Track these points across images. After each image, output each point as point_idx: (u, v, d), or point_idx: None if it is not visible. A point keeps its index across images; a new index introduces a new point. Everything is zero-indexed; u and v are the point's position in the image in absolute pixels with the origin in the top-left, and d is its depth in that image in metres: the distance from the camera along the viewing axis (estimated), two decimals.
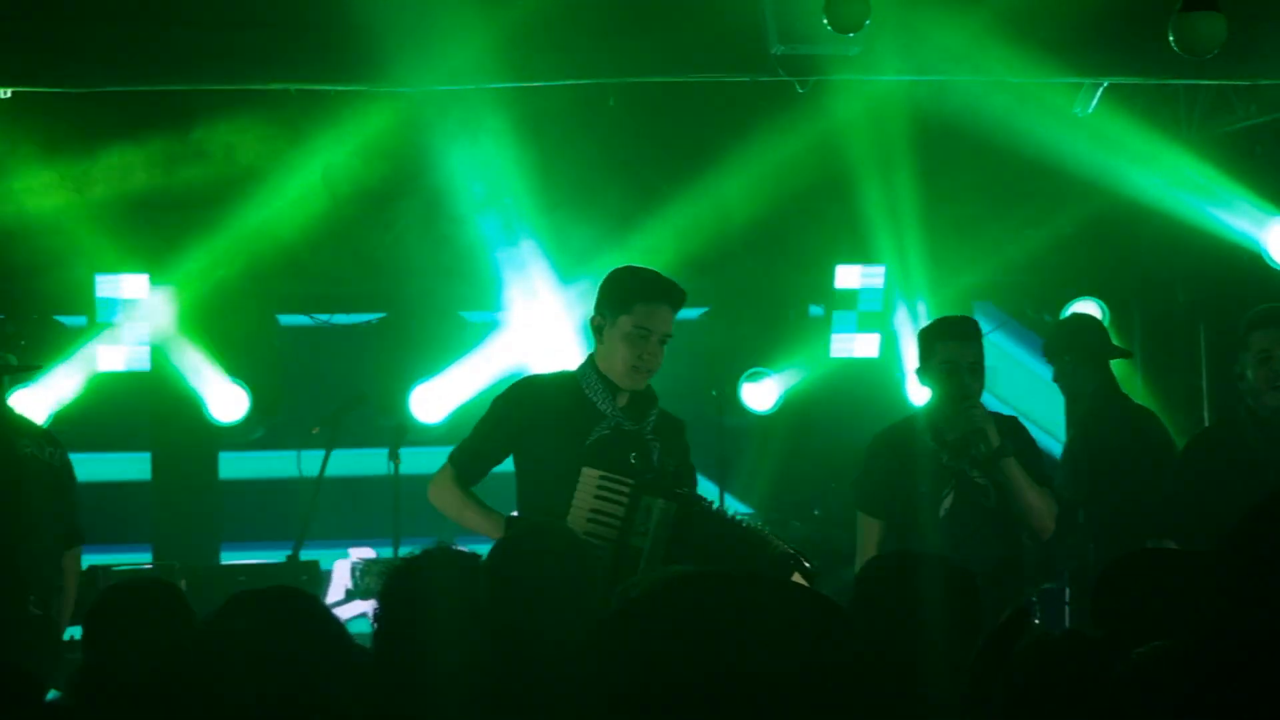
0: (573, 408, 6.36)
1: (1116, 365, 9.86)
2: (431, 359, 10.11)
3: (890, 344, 10.32)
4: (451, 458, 6.42)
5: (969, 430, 6.84)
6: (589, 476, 6.09)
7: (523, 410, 6.38)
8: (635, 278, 6.49)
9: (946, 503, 6.90)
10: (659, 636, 3.44)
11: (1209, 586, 1.56)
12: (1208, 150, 9.83)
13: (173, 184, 9.46)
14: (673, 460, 6.43)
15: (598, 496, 6.10)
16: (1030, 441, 7.10)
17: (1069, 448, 8.95)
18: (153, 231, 9.67)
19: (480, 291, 10.10)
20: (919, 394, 10.19)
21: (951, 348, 6.96)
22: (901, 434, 7.12)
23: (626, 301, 6.34)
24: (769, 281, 10.20)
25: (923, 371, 7.06)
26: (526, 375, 7.05)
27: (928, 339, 7.06)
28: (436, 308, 10.19)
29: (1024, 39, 7.94)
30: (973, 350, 6.97)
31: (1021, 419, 7.37)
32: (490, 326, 10.34)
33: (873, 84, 8.61)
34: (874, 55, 7.84)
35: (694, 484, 6.43)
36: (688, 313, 10.94)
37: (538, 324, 10.00)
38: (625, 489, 6.09)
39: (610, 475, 6.11)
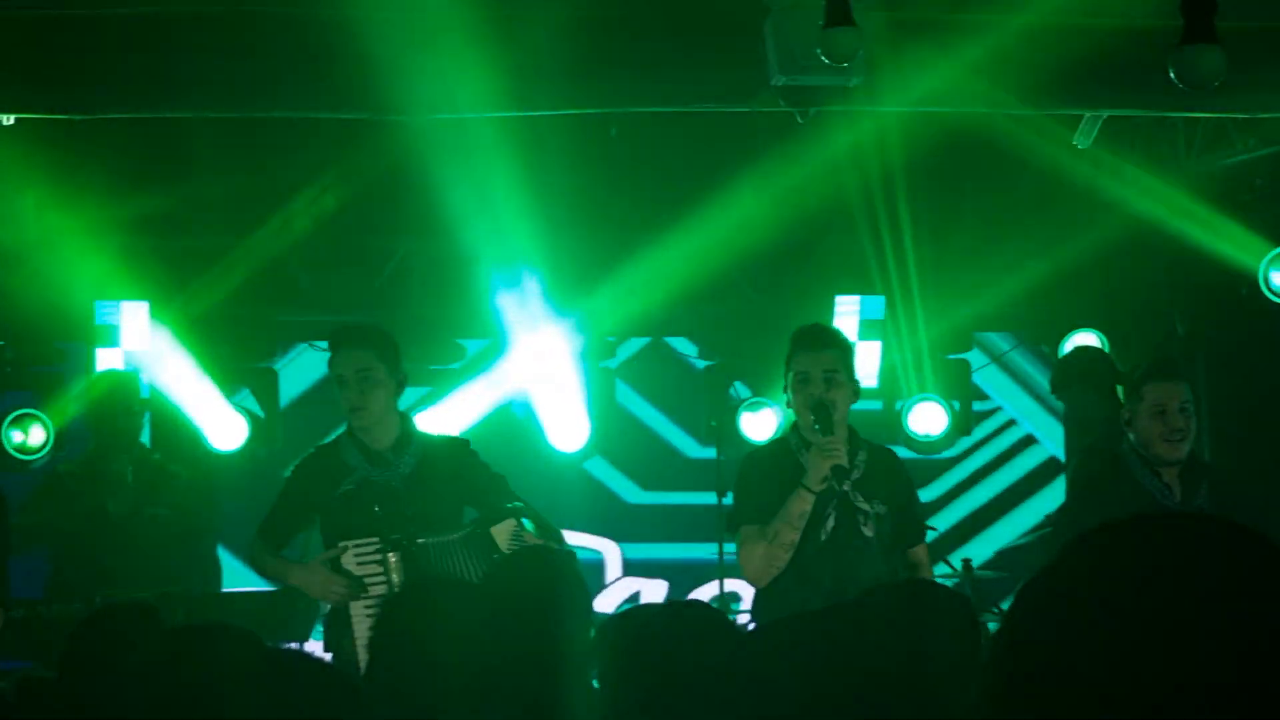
0: (331, 466, 6.86)
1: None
2: (430, 387, 10.12)
3: (888, 374, 10.32)
4: None
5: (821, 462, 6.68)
6: (343, 553, 6.57)
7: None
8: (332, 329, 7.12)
9: (829, 524, 6.75)
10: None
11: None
12: (1206, 183, 9.85)
13: (174, 212, 9.47)
14: (440, 498, 6.71)
15: (359, 565, 6.57)
16: (902, 484, 6.98)
17: (1077, 474, 8.94)
18: (153, 259, 9.67)
19: (479, 320, 10.11)
20: (918, 422, 10.24)
21: (802, 359, 6.82)
22: (776, 452, 7.01)
23: (330, 351, 6.92)
24: (768, 311, 10.20)
25: (784, 384, 6.93)
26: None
27: (789, 351, 6.92)
28: (436, 336, 10.20)
29: (1024, 71, 7.94)
30: (827, 359, 6.78)
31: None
32: (490, 356, 10.35)
33: (873, 115, 8.63)
34: (874, 87, 7.84)
35: (493, 498, 6.71)
36: (687, 344, 10.99)
37: (536, 353, 10.01)
38: (373, 548, 6.59)
39: (358, 543, 6.59)
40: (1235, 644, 1.39)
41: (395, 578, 6.51)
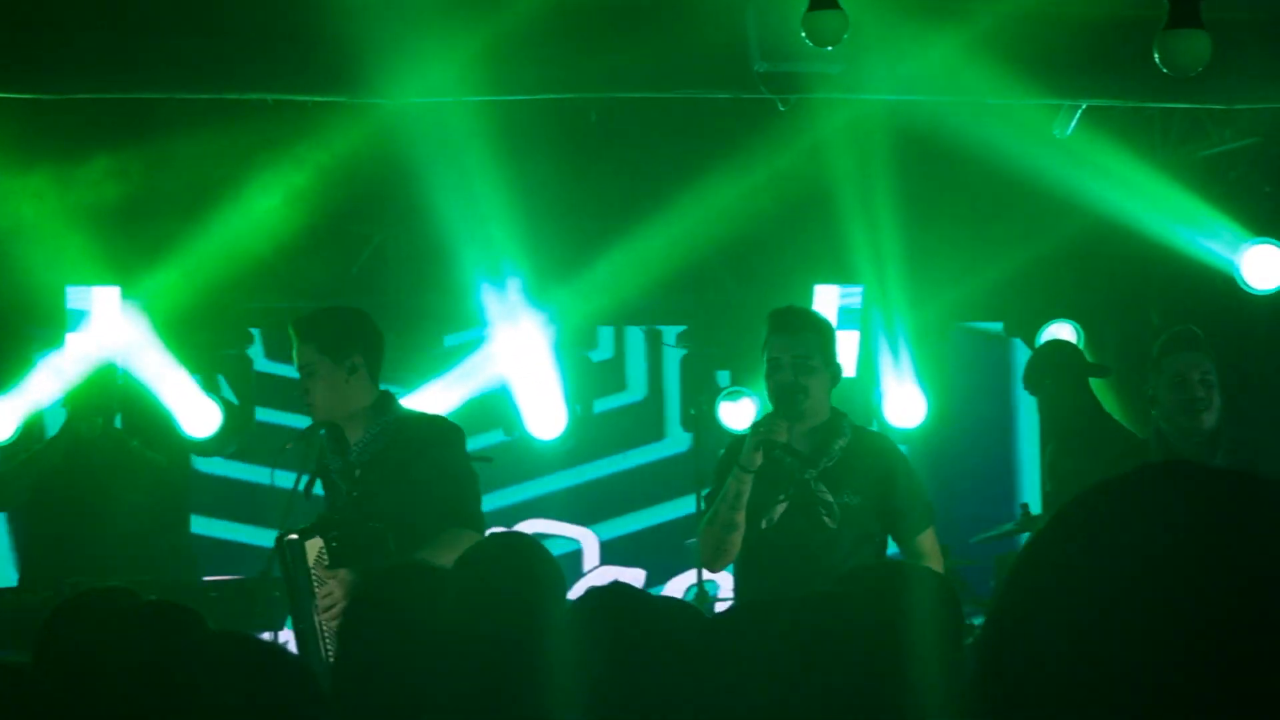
0: (323, 456, 6.78)
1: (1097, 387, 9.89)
2: (409, 375, 10.08)
3: (868, 363, 10.31)
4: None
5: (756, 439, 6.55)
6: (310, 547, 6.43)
7: None
8: None
9: (777, 510, 6.61)
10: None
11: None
12: (1183, 173, 9.85)
13: (148, 195, 9.39)
14: (391, 486, 6.54)
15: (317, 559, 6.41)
16: (888, 473, 6.73)
17: (1051, 464, 8.95)
18: (126, 243, 9.60)
19: (458, 307, 10.07)
20: (896, 413, 10.22)
21: (774, 343, 6.68)
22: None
23: None
24: (747, 300, 10.18)
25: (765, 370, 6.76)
26: None
27: (765, 334, 6.76)
28: (414, 323, 10.16)
29: (1004, 60, 7.93)
30: (799, 344, 6.64)
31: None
32: (470, 344, 10.33)
33: (854, 103, 8.61)
34: (856, 74, 7.83)
35: (439, 488, 6.50)
36: (667, 330, 10.98)
37: (514, 341, 9.99)
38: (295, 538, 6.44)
39: (290, 535, 6.43)
40: (1243, 588, 1.35)
41: (325, 558, 6.34)
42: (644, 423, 11.38)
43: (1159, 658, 1.34)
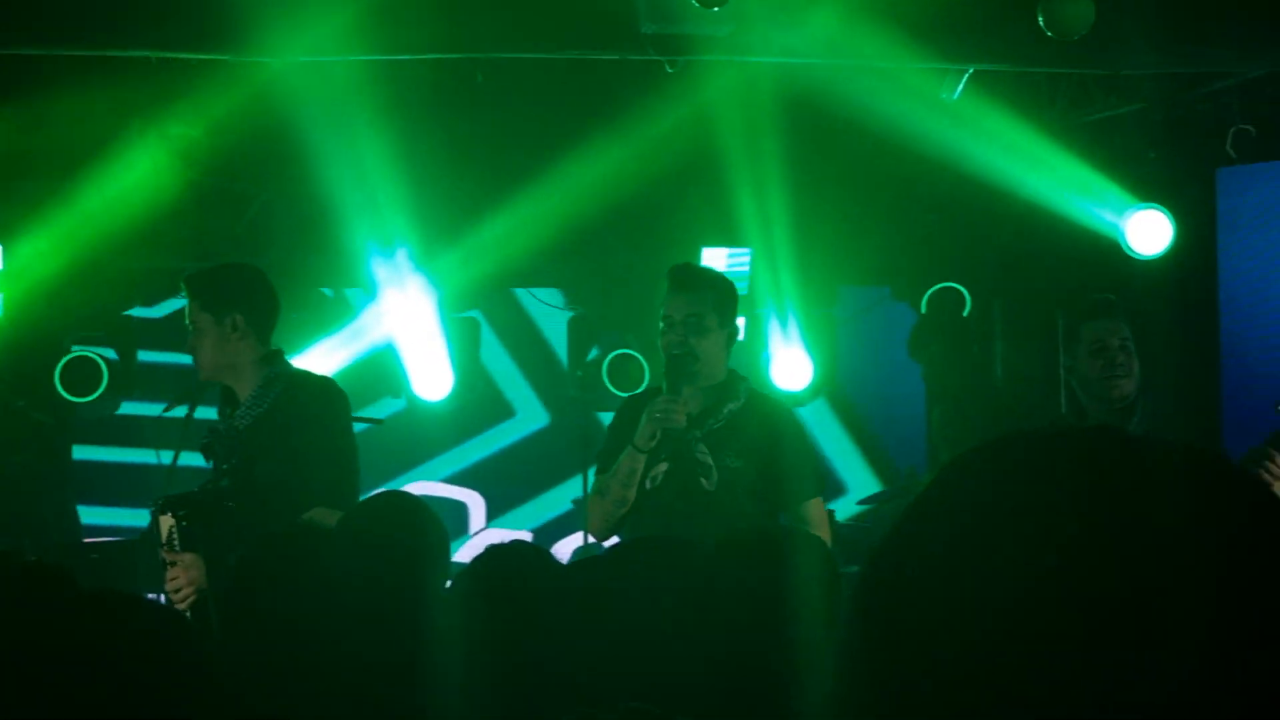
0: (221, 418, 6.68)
1: (978, 352, 9.96)
2: (294, 336, 10.00)
3: (756, 327, 10.32)
4: None
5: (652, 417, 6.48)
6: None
7: None
8: None
9: (658, 472, 6.56)
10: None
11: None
12: (1069, 139, 9.91)
13: (28, 153, 9.25)
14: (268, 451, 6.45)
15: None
16: (778, 438, 6.66)
17: (934, 430, 9.01)
18: (5, 202, 9.48)
19: (344, 268, 10.01)
20: (784, 377, 10.25)
21: (669, 300, 6.58)
22: (641, 403, 6.70)
23: None
24: (635, 263, 10.18)
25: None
26: None
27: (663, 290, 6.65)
28: (299, 284, 10.08)
29: (892, 24, 7.94)
30: (692, 303, 6.54)
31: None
32: (355, 304, 10.27)
33: (742, 66, 8.60)
34: (744, 36, 7.82)
35: (317, 450, 6.41)
36: (554, 293, 10.96)
37: (400, 302, 9.94)
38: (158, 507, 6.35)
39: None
40: (1122, 547, 1.36)
41: (175, 539, 6.23)
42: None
43: (1021, 610, 1.34)
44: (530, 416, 11.41)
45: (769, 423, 6.67)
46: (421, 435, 10.67)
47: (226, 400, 6.60)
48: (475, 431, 11.04)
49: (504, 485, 11.24)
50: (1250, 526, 1.39)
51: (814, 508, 6.64)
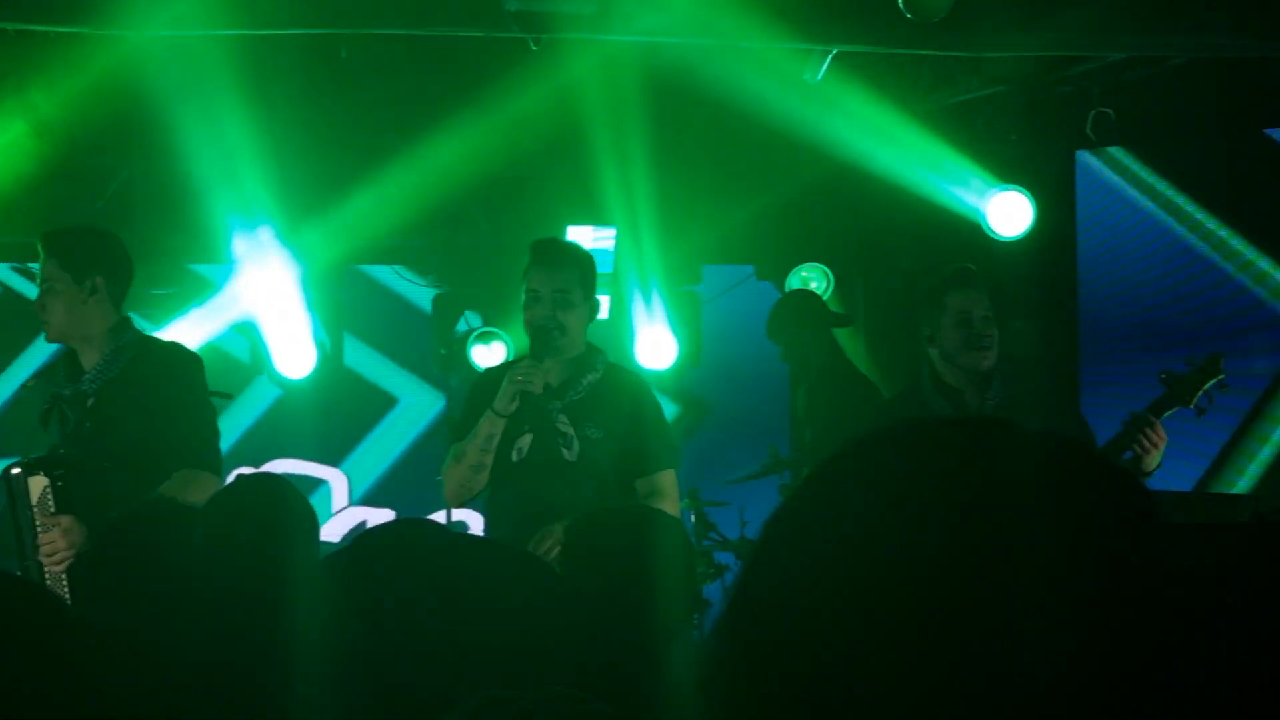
0: (59, 383, 6.60)
1: (840, 333, 10.02)
2: (154, 312, 9.91)
3: (621, 306, 10.34)
4: None
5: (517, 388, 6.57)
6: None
7: None
8: None
9: (524, 442, 6.65)
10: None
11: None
12: (932, 121, 9.99)
13: None
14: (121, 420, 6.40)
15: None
16: (635, 409, 6.79)
17: (797, 414, 9.06)
18: None
19: (205, 244, 9.91)
20: (648, 355, 10.27)
21: (535, 275, 6.68)
22: (500, 375, 6.80)
23: None
24: (500, 241, 10.15)
25: (522, 300, 6.75)
26: None
27: (526, 264, 6.75)
28: (160, 260, 9.97)
29: (755, 4, 7.96)
30: (560, 278, 6.65)
31: None
32: (216, 281, 10.18)
33: (607, 44, 8.59)
34: (608, 14, 7.81)
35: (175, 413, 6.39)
36: (421, 269, 10.90)
37: (263, 279, 9.85)
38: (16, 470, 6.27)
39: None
40: (997, 540, 1.39)
41: (34, 503, 6.17)
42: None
43: (899, 603, 1.36)
44: (393, 394, 11.36)
45: (627, 394, 6.80)
46: (283, 413, 10.60)
47: (69, 366, 6.51)
48: (337, 409, 10.98)
49: (366, 463, 11.19)
50: (1121, 531, 1.42)
51: (668, 478, 6.75)
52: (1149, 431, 6.64)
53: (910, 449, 1.46)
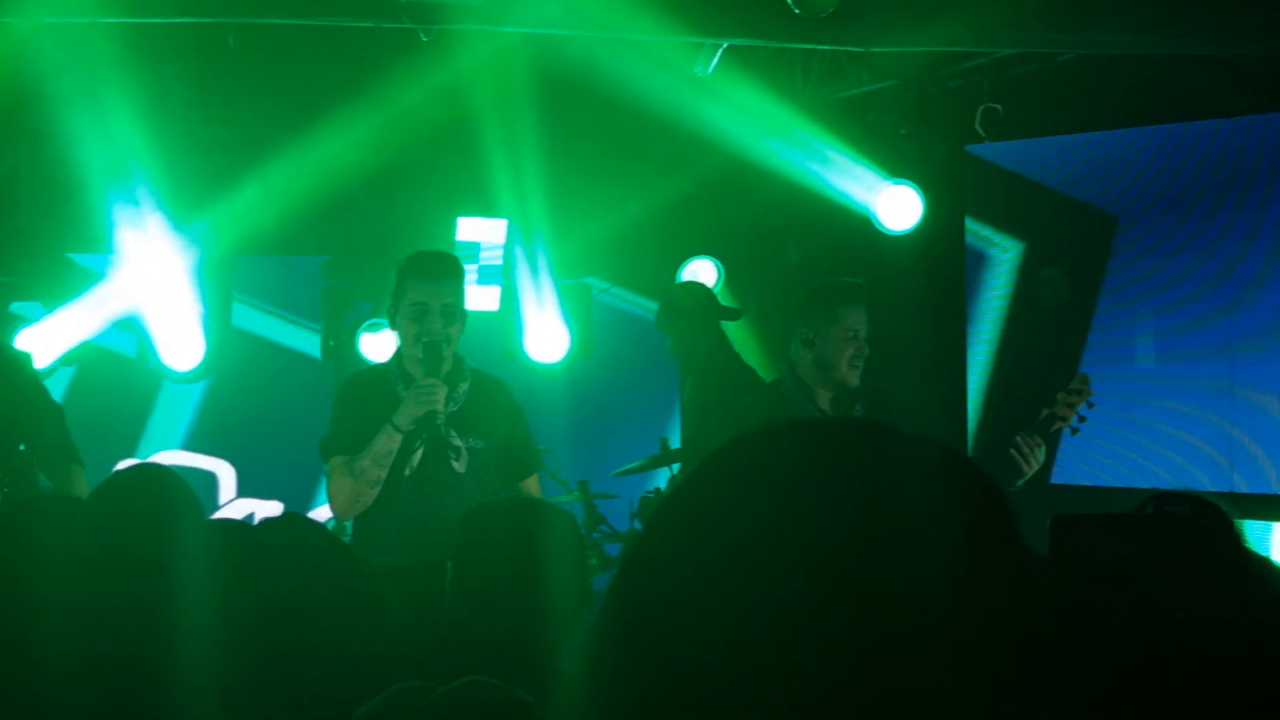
0: None
1: (729, 325, 10.04)
2: (37, 302, 9.79)
3: (510, 298, 10.32)
4: None
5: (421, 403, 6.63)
6: None
7: None
8: None
9: (416, 457, 6.70)
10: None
11: None
12: (822, 115, 10.03)
13: None
14: None
15: None
16: (506, 416, 6.93)
17: (691, 401, 9.09)
18: None
19: (92, 234, 9.79)
20: (537, 348, 10.26)
21: (421, 288, 6.74)
22: (374, 380, 6.89)
23: None
24: (391, 231, 10.11)
25: (393, 311, 6.83)
26: None
27: (400, 276, 6.81)
28: (44, 249, 9.86)
29: None
30: (448, 291, 6.74)
31: None
32: (103, 271, 10.07)
33: (498, 35, 8.58)
34: (499, 6, 7.80)
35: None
36: (307, 260, 10.84)
37: (150, 270, 9.75)
38: None
39: None
40: (873, 540, 1.41)
41: None
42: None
43: (778, 591, 1.39)
44: (282, 385, 11.28)
45: (498, 401, 6.92)
46: (170, 404, 10.52)
47: None
48: (226, 400, 10.90)
49: (255, 455, 11.12)
50: (989, 527, 1.46)
51: (534, 483, 6.99)
52: (1029, 449, 6.95)
53: (792, 447, 1.49)
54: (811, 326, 7.23)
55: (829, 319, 7.20)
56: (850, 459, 1.46)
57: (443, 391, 6.62)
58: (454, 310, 6.70)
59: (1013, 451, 6.94)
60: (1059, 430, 7.09)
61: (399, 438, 6.58)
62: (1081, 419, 7.12)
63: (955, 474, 1.48)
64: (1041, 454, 6.98)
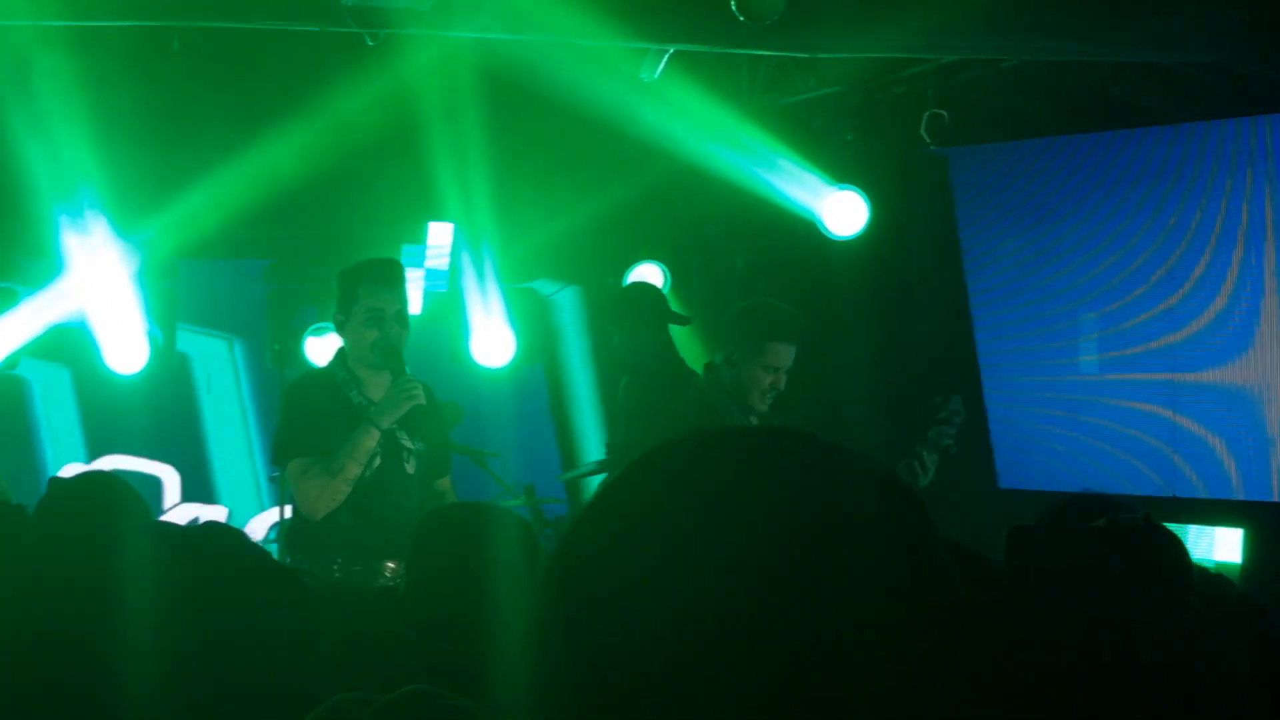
0: None
1: (676, 330, 10.06)
2: None
3: (457, 302, 10.30)
4: None
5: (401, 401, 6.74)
6: None
7: None
8: None
9: (375, 461, 6.79)
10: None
11: None
12: (768, 120, 10.05)
13: None
14: None
15: None
16: (437, 419, 7.08)
17: (625, 400, 9.09)
18: None
19: (35, 238, 9.73)
20: (484, 352, 10.24)
21: (377, 294, 6.84)
22: (322, 384, 6.96)
23: None
24: (336, 235, 10.09)
25: (343, 317, 6.91)
26: None
27: (349, 283, 6.90)
28: None
29: (593, 2, 7.97)
30: (399, 298, 6.86)
31: None
32: (46, 275, 10.01)
33: (445, 40, 8.56)
34: (446, 11, 7.79)
35: None
36: (255, 264, 10.80)
37: (94, 274, 9.70)
38: None
39: None
40: (803, 543, 1.44)
41: None
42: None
43: (711, 586, 1.41)
44: (225, 390, 11.25)
45: (429, 405, 6.99)
46: (115, 408, 10.47)
47: None
48: (170, 404, 10.86)
49: (199, 460, 11.09)
50: (913, 535, 1.50)
51: (448, 483, 7.17)
52: (923, 465, 7.33)
53: (723, 455, 1.52)
54: (739, 350, 7.43)
55: (756, 350, 7.43)
56: (779, 466, 1.49)
57: (420, 390, 6.73)
58: (405, 315, 6.83)
59: (915, 464, 7.29)
60: (948, 447, 7.40)
61: (378, 435, 6.67)
62: (956, 442, 7.44)
63: (877, 482, 1.51)
64: (933, 469, 7.35)
